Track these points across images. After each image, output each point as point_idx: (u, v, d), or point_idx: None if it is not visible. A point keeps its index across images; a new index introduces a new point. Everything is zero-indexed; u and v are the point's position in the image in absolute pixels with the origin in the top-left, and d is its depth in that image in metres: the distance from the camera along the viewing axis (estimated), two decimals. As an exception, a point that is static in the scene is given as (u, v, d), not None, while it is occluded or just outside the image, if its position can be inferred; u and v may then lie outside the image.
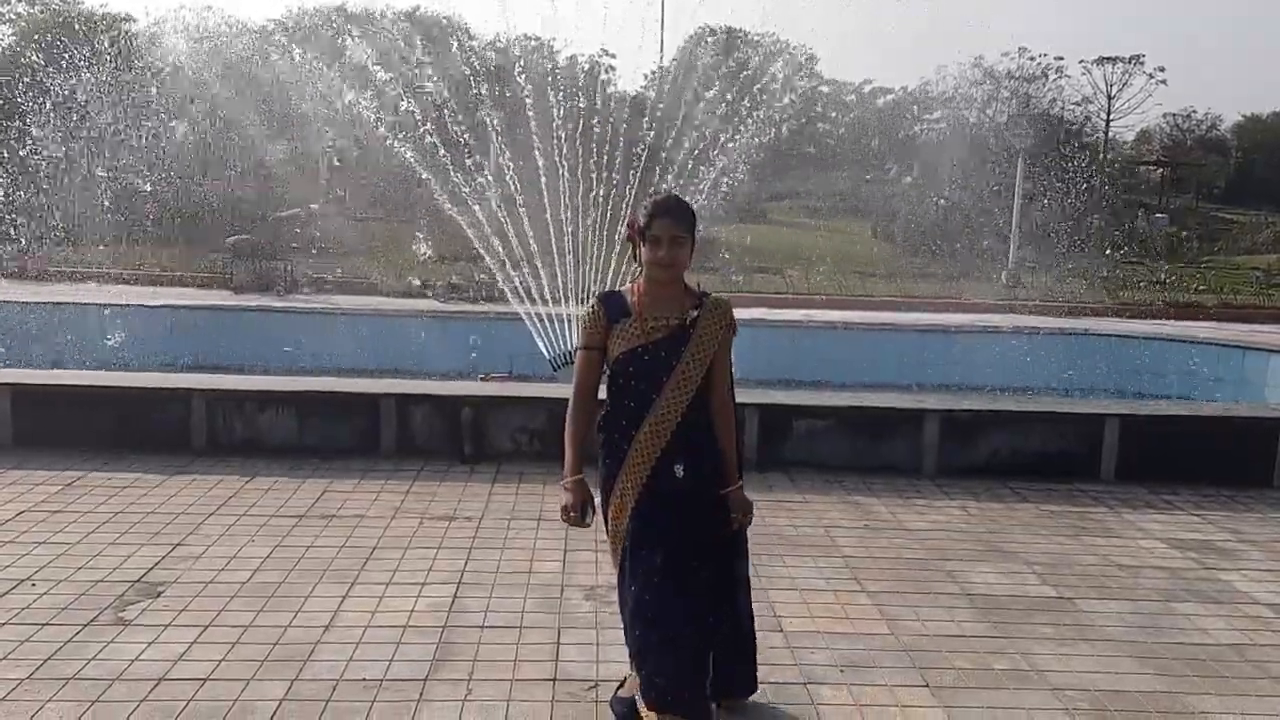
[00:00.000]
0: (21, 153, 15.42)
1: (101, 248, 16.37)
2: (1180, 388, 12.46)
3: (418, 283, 16.94)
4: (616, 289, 3.40)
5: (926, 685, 3.92)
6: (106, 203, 16.50)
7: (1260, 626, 4.65)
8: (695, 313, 3.24)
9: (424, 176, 12.44)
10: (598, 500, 3.32)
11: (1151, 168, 45.09)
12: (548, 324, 10.56)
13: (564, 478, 3.29)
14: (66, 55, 16.31)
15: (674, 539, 3.19)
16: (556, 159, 12.02)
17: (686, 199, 3.39)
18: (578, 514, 3.25)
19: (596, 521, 3.39)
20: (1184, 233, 32.97)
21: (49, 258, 16.16)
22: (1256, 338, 13.54)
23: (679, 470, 3.19)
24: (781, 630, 4.35)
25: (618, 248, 11.28)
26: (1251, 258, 29.54)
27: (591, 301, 3.35)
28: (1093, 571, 5.29)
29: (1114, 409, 7.86)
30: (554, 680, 3.85)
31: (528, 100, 12.65)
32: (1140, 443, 7.17)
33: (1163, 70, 45.14)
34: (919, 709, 3.74)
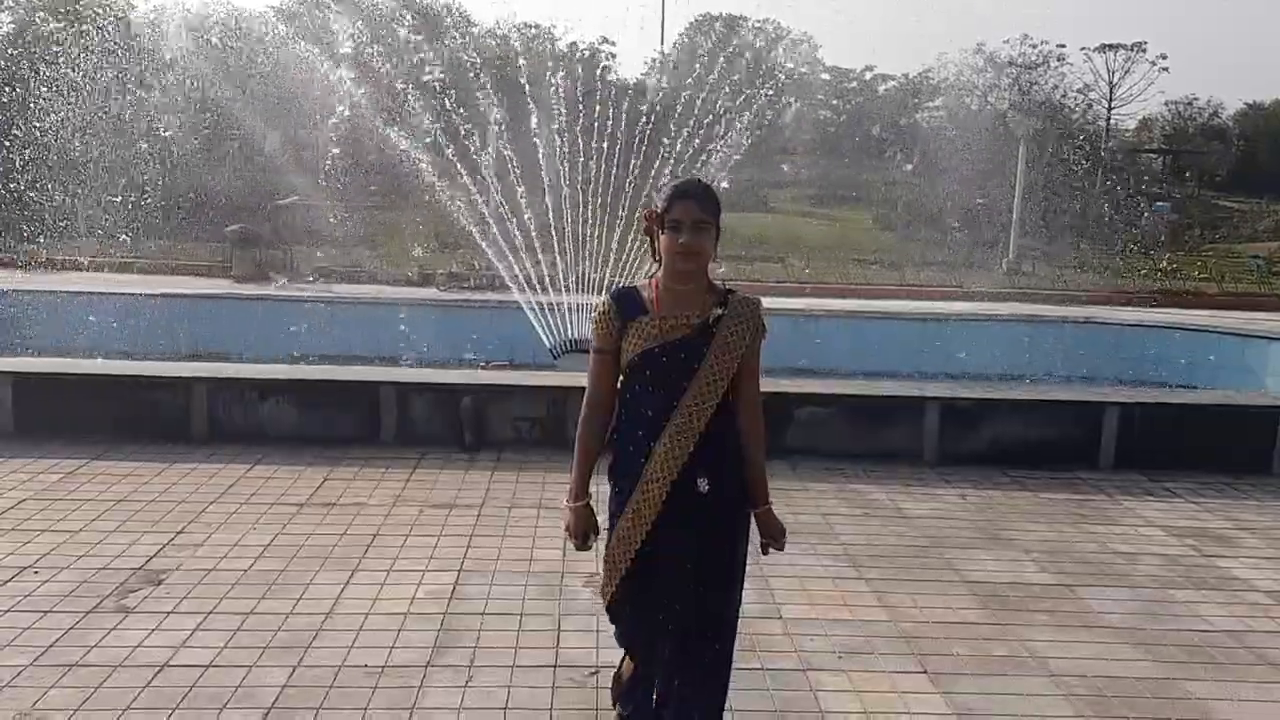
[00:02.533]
0: (23, 142, 15.40)
1: (98, 237, 16.39)
2: (1180, 375, 12.46)
3: (418, 271, 16.94)
4: (631, 285, 3.06)
5: (925, 672, 3.94)
6: (106, 191, 16.50)
7: (1258, 613, 4.67)
8: (720, 311, 2.89)
9: (423, 165, 12.42)
10: (602, 518, 3.04)
11: (1153, 155, 44.96)
12: (548, 312, 10.57)
13: (568, 497, 3.03)
14: (66, 41, 16.28)
15: (691, 558, 2.90)
16: (556, 146, 12.00)
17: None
18: (579, 540, 3.01)
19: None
20: (1185, 221, 32.93)
21: (50, 247, 16.17)
22: (1257, 325, 13.53)
23: (703, 485, 2.87)
24: (780, 617, 4.37)
25: (618, 235, 11.28)
26: (1253, 245, 29.52)
27: (603, 298, 3.01)
28: (1091, 559, 5.31)
29: (1114, 397, 7.86)
30: (555, 667, 3.88)
31: (527, 87, 12.63)
32: (1140, 430, 7.18)
33: (1164, 58, 44.92)
34: (917, 695, 3.76)
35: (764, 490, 3.02)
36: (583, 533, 3.00)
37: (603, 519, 3.03)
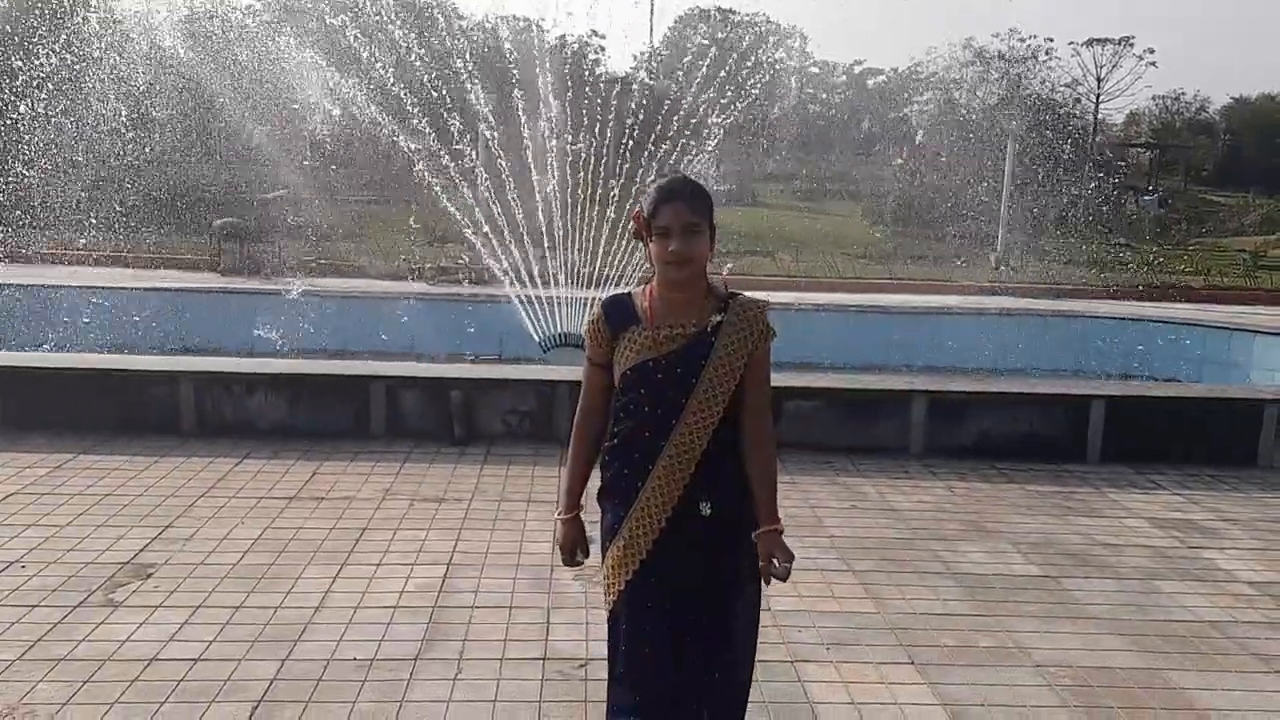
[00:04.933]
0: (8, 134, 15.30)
1: (90, 232, 16.32)
2: (1167, 369, 12.55)
3: (406, 265, 16.92)
4: (625, 291, 2.80)
5: (912, 662, 3.97)
6: (92, 183, 16.42)
7: (1242, 604, 4.71)
8: (719, 317, 2.63)
9: (413, 160, 12.39)
10: (595, 532, 2.82)
11: (1140, 150, 45.18)
12: (537, 306, 10.57)
13: (559, 509, 2.84)
14: (49, 32, 16.17)
15: (688, 589, 2.66)
16: (545, 140, 11.99)
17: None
18: (568, 555, 2.83)
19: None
20: (1172, 215, 33.10)
21: (32, 240, 16.08)
22: (1243, 319, 13.61)
23: (705, 508, 2.62)
24: (769, 609, 4.37)
25: (607, 229, 11.28)
26: (1239, 239, 29.69)
27: (594, 308, 2.79)
28: (1077, 550, 5.35)
29: (1101, 390, 7.92)
30: (544, 659, 3.89)
31: (516, 81, 12.61)
32: (1126, 423, 7.22)
33: (1152, 52, 45.22)
34: (904, 685, 3.78)
35: (769, 511, 2.69)
36: (571, 547, 2.82)
37: (594, 533, 2.83)
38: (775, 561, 2.65)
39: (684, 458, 2.61)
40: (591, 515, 2.81)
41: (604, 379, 2.74)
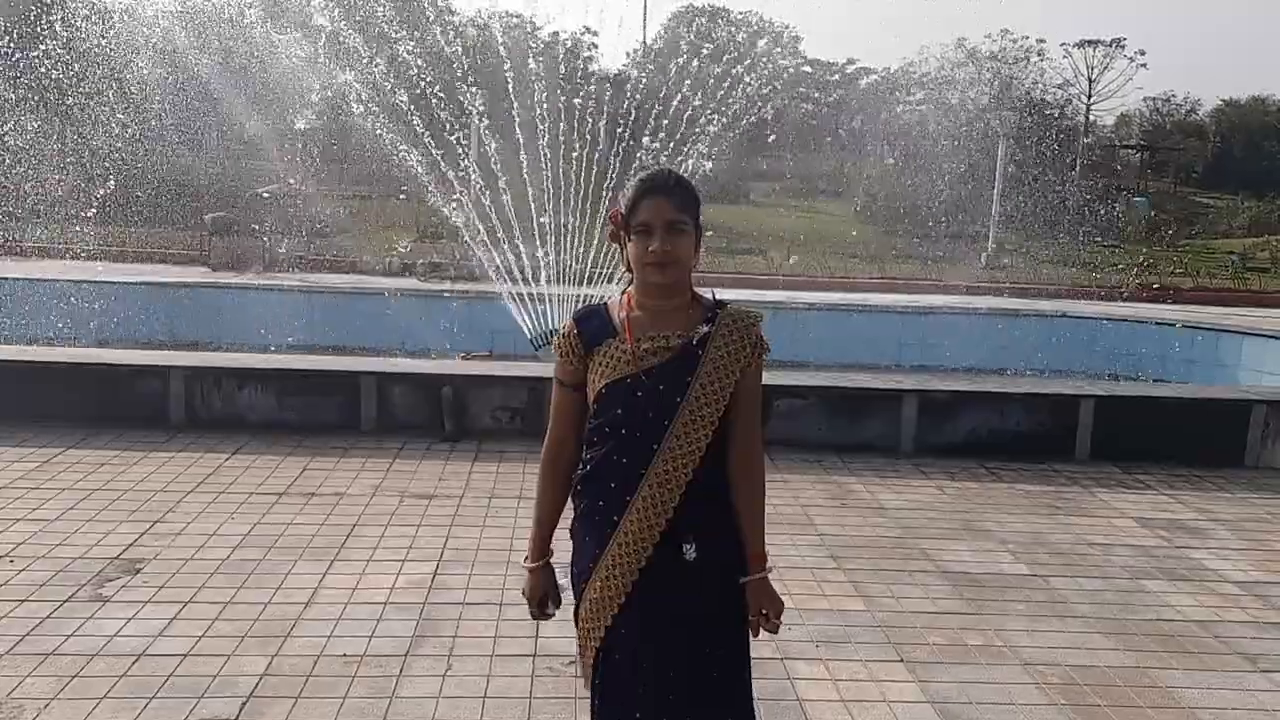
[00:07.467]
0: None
1: (77, 226, 16.24)
2: (1155, 369, 12.61)
3: (399, 261, 16.90)
4: (598, 303, 2.46)
5: (901, 660, 3.98)
6: (78, 178, 16.34)
7: (1228, 604, 4.74)
8: (706, 329, 2.32)
9: (405, 155, 12.37)
10: (565, 580, 2.50)
11: (1131, 151, 45.39)
12: (528, 303, 10.56)
13: (527, 556, 2.55)
14: (36, 22, 16.07)
15: (679, 638, 2.32)
16: (538, 137, 11.98)
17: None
18: (536, 608, 2.52)
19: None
20: (1162, 216, 33.27)
21: (19, 233, 16.01)
22: (1231, 320, 13.69)
23: (689, 552, 2.30)
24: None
25: (599, 226, 11.28)
26: (1228, 241, 29.86)
27: (566, 322, 2.45)
28: (1066, 549, 5.37)
29: (1089, 390, 7.95)
30: (533, 656, 3.89)
31: (509, 78, 12.59)
32: (1114, 423, 7.26)
33: (1143, 54, 45.46)
34: (894, 683, 3.80)
35: (759, 553, 2.38)
36: (540, 599, 2.50)
37: (565, 581, 2.50)
38: (765, 614, 2.38)
39: (667, 488, 2.29)
40: (564, 549, 2.51)
41: (577, 403, 2.41)
